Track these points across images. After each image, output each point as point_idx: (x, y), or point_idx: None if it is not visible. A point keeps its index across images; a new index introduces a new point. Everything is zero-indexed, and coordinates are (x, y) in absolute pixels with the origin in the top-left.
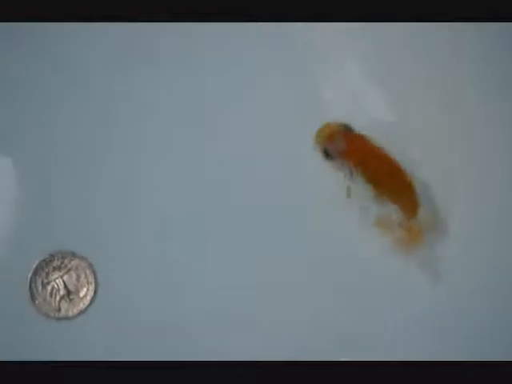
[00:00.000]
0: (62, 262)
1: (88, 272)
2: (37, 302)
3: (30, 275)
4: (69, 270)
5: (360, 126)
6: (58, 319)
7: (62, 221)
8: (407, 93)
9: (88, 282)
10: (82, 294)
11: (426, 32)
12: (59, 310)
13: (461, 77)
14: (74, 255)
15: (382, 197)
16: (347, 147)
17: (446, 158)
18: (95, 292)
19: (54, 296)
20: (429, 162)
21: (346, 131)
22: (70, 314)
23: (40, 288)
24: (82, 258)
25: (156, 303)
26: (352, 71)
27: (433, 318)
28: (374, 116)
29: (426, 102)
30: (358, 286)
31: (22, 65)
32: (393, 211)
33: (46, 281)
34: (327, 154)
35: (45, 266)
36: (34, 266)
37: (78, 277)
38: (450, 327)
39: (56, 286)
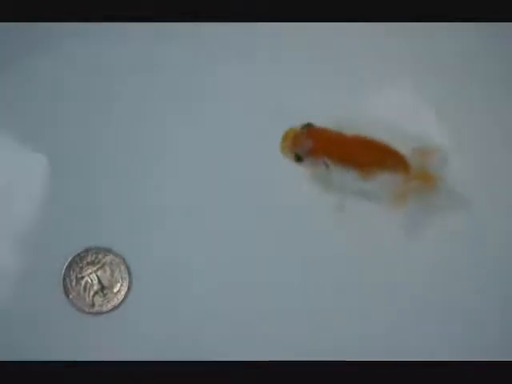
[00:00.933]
0: (96, 257)
1: (122, 268)
2: (71, 296)
3: (64, 269)
4: (103, 265)
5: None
6: (92, 314)
7: (98, 216)
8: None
9: (122, 278)
10: (115, 290)
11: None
12: (93, 304)
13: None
14: (108, 250)
15: (367, 173)
16: (314, 144)
17: None
18: (129, 288)
19: (87, 291)
20: None
21: (308, 130)
22: (104, 309)
23: (74, 282)
24: (116, 254)
25: (190, 301)
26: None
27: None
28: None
29: None
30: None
31: (50, 65)
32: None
33: (79, 275)
34: (298, 158)
35: (79, 261)
36: (69, 261)
37: (112, 272)
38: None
39: (90, 280)
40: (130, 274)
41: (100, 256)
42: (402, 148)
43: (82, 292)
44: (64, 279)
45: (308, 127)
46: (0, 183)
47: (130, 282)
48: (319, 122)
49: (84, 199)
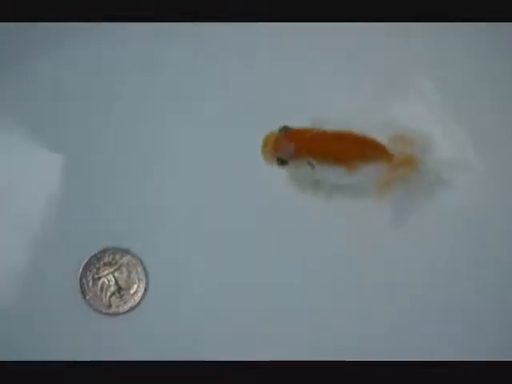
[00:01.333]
0: (113, 258)
1: (139, 269)
2: (87, 297)
3: (80, 270)
4: (120, 266)
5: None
6: (109, 315)
7: (115, 217)
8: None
9: (139, 279)
10: (132, 291)
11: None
12: (110, 305)
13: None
14: (125, 252)
15: (351, 167)
16: (296, 146)
17: None
18: (146, 289)
19: (104, 292)
20: None
21: (286, 133)
22: (121, 310)
23: (91, 283)
24: (134, 255)
25: (206, 303)
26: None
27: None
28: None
29: None
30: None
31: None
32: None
33: (96, 276)
34: (282, 161)
35: (96, 262)
36: (85, 261)
37: (129, 273)
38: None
39: (107, 281)
40: (146, 275)
41: (117, 257)
42: (380, 137)
43: (98, 293)
44: (81, 280)
45: (285, 130)
46: (17, 183)
47: (147, 284)
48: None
49: (102, 200)
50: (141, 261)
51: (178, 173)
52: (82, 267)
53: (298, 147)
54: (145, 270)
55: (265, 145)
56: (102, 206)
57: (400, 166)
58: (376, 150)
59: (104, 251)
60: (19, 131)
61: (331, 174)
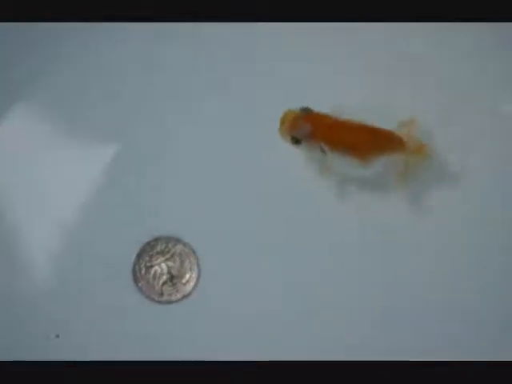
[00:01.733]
0: (166, 247)
1: (192, 258)
2: (140, 284)
3: (134, 257)
4: (172, 254)
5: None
6: (161, 303)
7: (169, 206)
8: None
9: (191, 269)
10: (184, 280)
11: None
12: (162, 293)
13: None
14: (178, 241)
15: (366, 159)
16: (312, 128)
17: None
18: (198, 278)
19: (157, 280)
20: None
21: (305, 114)
22: (173, 298)
23: (143, 271)
24: (186, 244)
25: (258, 296)
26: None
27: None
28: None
29: None
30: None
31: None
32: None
33: (149, 264)
34: (296, 141)
35: (149, 250)
36: (139, 249)
37: (182, 262)
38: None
39: (159, 270)
40: (198, 264)
41: (170, 246)
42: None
43: (151, 281)
44: (134, 267)
45: (306, 111)
46: (70, 174)
47: (199, 274)
48: None
49: (157, 188)
50: (193, 250)
51: (229, 165)
52: (135, 255)
53: (313, 129)
54: (197, 259)
55: (282, 122)
56: (156, 194)
57: (413, 154)
58: (391, 141)
59: (157, 239)
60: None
61: (343, 163)
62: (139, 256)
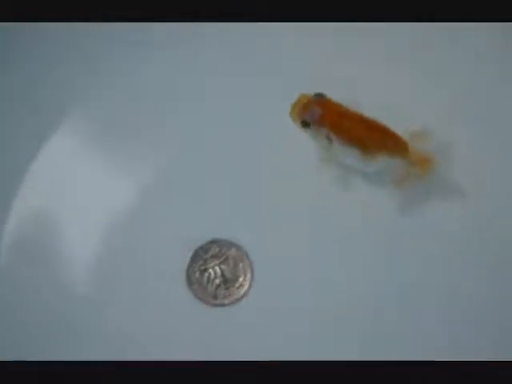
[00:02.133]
0: (220, 251)
1: (245, 262)
2: (193, 287)
3: (188, 260)
4: (226, 258)
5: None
6: (214, 306)
7: (223, 209)
8: None
9: (245, 272)
10: (238, 284)
11: None
12: (215, 297)
13: None
14: (232, 244)
15: (366, 152)
16: (322, 113)
17: None
18: (251, 282)
19: (210, 283)
20: None
21: (319, 100)
22: (226, 302)
23: (197, 274)
24: (240, 248)
25: (311, 299)
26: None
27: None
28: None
29: None
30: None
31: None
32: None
33: (203, 267)
34: (305, 124)
35: (203, 253)
36: (193, 252)
37: (236, 266)
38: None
39: (213, 273)
40: (252, 269)
41: (224, 249)
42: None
43: (204, 283)
44: (188, 270)
45: (321, 97)
46: (124, 178)
47: (253, 278)
48: None
49: (211, 192)
50: (247, 254)
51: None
52: (189, 258)
53: (323, 115)
54: (251, 263)
55: (295, 104)
56: (212, 198)
57: (417, 164)
58: (397, 144)
59: (211, 243)
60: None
61: (346, 154)
62: (193, 259)
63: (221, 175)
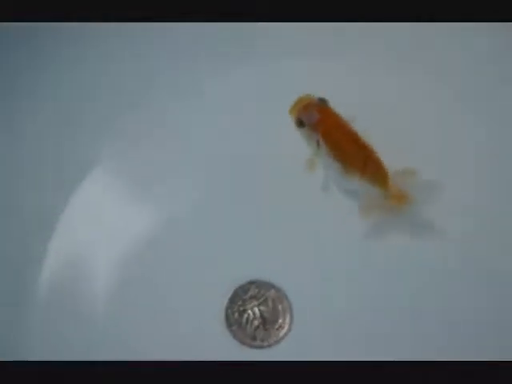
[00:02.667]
0: (259, 292)
1: (285, 303)
2: (232, 328)
3: (226, 301)
4: (265, 299)
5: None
6: (253, 347)
7: (263, 250)
8: None
9: (284, 314)
10: (277, 325)
11: None
12: (254, 338)
13: None
14: (271, 285)
15: (347, 169)
16: (318, 119)
17: None
18: (290, 324)
19: (249, 324)
20: None
21: (320, 104)
22: (266, 343)
23: (236, 315)
24: (279, 289)
25: (349, 342)
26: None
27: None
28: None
29: None
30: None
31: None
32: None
33: (242, 308)
34: (301, 123)
35: (242, 294)
36: (232, 293)
37: (275, 307)
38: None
39: (252, 314)
40: (291, 310)
41: (263, 291)
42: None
43: (243, 324)
44: (226, 310)
45: (322, 102)
46: (162, 216)
47: (291, 319)
48: None
49: (251, 232)
50: (286, 296)
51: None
52: (228, 298)
53: (319, 121)
54: (290, 304)
55: (296, 103)
56: (251, 238)
57: (393, 199)
58: (377, 172)
59: (250, 283)
60: None
61: (329, 165)
62: (232, 300)
63: (263, 217)
